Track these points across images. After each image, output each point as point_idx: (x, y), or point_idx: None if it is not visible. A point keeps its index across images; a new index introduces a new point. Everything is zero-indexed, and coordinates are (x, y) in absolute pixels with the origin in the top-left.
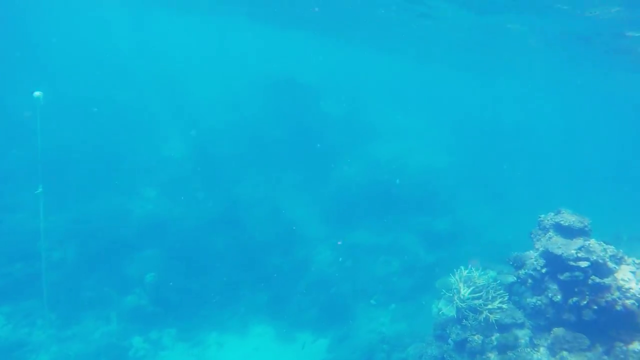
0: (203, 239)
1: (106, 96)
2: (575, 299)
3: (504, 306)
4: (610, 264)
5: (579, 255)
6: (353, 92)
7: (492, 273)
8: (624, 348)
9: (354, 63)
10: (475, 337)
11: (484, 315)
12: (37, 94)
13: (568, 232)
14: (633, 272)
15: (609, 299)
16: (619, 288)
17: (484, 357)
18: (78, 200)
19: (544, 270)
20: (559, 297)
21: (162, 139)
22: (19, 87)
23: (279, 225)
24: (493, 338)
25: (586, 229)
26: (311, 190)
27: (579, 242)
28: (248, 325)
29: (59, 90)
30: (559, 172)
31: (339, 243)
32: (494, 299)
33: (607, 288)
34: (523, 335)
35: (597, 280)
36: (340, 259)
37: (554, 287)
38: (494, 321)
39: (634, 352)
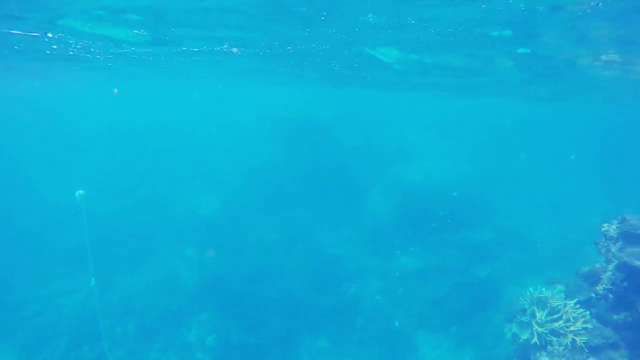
0: (252, 291)
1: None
2: None
3: (589, 325)
4: None
5: None
6: (373, 124)
7: (560, 287)
8: None
9: (369, 101)
10: None
11: (569, 339)
12: (79, 192)
13: None
14: None
15: None
16: None
17: None
18: (126, 273)
19: (625, 284)
20: None
21: (192, 199)
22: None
23: (324, 263)
24: None
25: None
26: (348, 222)
27: None
28: None
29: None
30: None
31: (397, 274)
32: (575, 319)
33: None
34: (620, 356)
35: None
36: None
37: None
38: (582, 344)
39: None
